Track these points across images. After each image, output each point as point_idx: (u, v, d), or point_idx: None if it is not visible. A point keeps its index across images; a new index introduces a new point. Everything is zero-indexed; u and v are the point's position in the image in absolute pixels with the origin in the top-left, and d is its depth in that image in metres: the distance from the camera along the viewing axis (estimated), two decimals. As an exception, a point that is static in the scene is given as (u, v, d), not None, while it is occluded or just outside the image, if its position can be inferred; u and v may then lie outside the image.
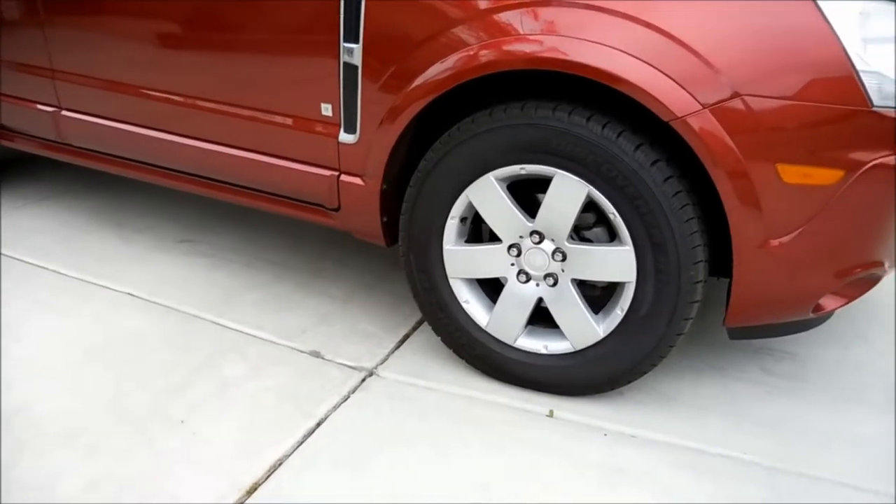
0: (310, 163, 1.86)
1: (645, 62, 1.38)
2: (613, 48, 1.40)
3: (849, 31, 1.34)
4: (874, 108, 1.34)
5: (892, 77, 1.36)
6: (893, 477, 1.53)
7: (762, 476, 1.54)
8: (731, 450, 1.60)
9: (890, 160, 1.38)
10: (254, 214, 2.56)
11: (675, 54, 1.37)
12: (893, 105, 1.36)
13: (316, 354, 1.92)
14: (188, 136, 2.04)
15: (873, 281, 1.59)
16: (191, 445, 1.60)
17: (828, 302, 1.56)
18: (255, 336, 1.99)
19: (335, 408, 1.72)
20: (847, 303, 1.58)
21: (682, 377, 1.83)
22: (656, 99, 1.38)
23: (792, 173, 1.38)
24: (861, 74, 1.33)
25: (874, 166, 1.37)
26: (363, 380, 1.82)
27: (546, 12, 1.46)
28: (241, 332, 2.00)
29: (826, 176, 1.38)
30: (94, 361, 1.87)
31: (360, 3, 1.61)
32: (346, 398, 1.76)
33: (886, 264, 1.56)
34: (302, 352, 1.93)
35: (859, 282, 1.57)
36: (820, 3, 1.34)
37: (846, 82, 1.34)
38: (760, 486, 1.51)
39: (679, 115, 1.38)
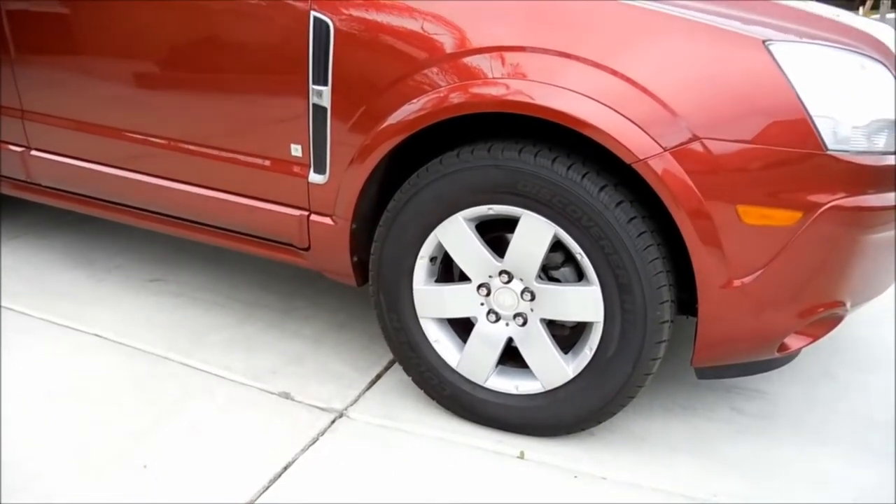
0: (280, 202, 1.86)
1: (609, 107, 1.42)
2: (579, 93, 1.44)
3: (802, 76, 1.39)
4: (828, 152, 1.39)
5: (846, 121, 1.40)
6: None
7: (732, 517, 1.54)
8: (700, 491, 1.60)
9: (846, 202, 1.41)
10: (224, 253, 2.54)
11: (638, 100, 1.41)
12: (847, 149, 1.40)
13: (285, 396, 1.89)
14: (157, 176, 2.03)
15: (836, 320, 1.62)
16: (154, 492, 1.56)
17: (792, 341, 1.59)
18: (223, 377, 1.95)
19: (303, 450, 1.69)
20: (812, 342, 1.61)
21: (653, 417, 1.83)
22: (619, 142, 1.41)
23: (752, 214, 1.41)
24: (815, 119, 1.38)
25: (831, 208, 1.41)
26: (333, 421, 1.80)
27: (515, 57, 1.50)
28: (209, 373, 1.97)
29: (785, 217, 1.41)
30: (58, 405, 1.83)
31: (328, 46, 1.64)
32: (314, 440, 1.73)
33: (848, 304, 1.58)
34: (271, 393, 1.90)
35: (822, 321, 1.59)
36: (773, 50, 1.39)
37: (801, 126, 1.38)
38: (730, 527, 1.51)
39: (641, 157, 1.41)
